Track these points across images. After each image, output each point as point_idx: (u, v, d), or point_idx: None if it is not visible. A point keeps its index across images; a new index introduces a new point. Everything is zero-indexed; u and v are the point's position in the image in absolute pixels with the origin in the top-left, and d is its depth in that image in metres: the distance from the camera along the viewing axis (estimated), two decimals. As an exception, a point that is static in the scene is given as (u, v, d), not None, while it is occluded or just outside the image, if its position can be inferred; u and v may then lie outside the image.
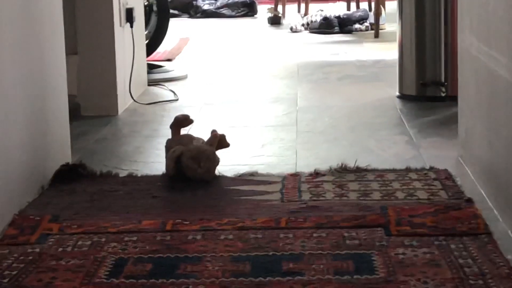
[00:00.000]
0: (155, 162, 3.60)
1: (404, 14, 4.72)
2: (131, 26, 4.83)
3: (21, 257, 2.55)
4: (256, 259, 2.50)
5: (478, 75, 3.14)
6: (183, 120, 3.51)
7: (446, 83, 4.61)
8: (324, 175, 3.33)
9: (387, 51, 6.15)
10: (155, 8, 5.79)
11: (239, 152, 3.65)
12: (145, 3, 5.52)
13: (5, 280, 2.38)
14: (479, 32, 3.11)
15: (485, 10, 3.00)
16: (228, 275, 2.39)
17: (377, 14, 7.34)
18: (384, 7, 7.59)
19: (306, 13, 8.31)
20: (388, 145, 3.82)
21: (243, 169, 3.42)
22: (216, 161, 3.32)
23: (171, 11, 6.90)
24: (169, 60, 6.30)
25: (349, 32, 7.51)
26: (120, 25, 4.61)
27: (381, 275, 2.35)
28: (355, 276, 2.35)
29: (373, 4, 7.71)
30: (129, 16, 4.77)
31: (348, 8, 8.62)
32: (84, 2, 4.47)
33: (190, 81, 5.58)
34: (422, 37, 4.66)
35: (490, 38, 2.92)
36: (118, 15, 4.57)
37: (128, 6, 4.75)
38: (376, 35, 7.18)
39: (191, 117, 3.56)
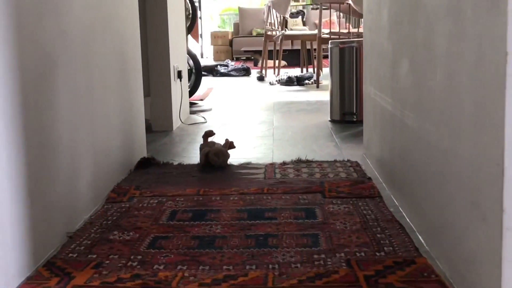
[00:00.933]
0: (194, 157, 3.59)
1: (333, 74, 4.72)
2: (180, 80, 4.83)
3: (118, 209, 2.56)
4: (250, 210, 2.51)
5: (374, 108, 3.15)
6: (209, 133, 3.52)
7: (356, 113, 4.61)
8: (288, 164, 3.33)
9: (323, 95, 6.14)
10: (194, 70, 5.80)
11: (241, 151, 3.65)
12: (188, 68, 5.52)
13: (109, 222, 2.39)
14: (374, 83, 3.12)
15: (377, 72, 3.01)
16: (234, 219, 2.40)
17: (318, 75, 7.33)
18: (322, 70, 7.58)
19: (278, 74, 8.28)
20: (324, 147, 3.82)
21: (243, 160, 3.41)
22: (228, 156, 3.32)
23: (203, 72, 6.87)
24: (201, 100, 6.29)
25: (302, 85, 7.49)
26: (174, 80, 4.62)
27: (320, 220, 2.36)
28: (305, 220, 2.36)
29: (315, 69, 7.67)
30: (179, 75, 4.77)
31: (302, 71, 8.59)
32: (154, 67, 4.47)
33: (213, 111, 5.57)
34: (343, 87, 4.65)
35: (381, 87, 2.94)
36: (173, 74, 4.57)
37: (179, 69, 4.76)
38: (317, 87, 7.16)
39: (214, 131, 3.57)
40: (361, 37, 4.60)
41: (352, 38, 5.21)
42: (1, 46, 1.76)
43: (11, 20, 1.82)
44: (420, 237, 2.13)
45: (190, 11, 6.23)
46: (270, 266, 1.92)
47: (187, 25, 5.90)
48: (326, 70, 7.89)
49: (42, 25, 2.08)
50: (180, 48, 5.01)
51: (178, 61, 4.83)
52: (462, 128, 1.67)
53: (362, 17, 6.56)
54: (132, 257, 2.02)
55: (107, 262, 1.97)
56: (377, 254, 1.99)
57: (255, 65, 10.83)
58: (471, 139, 1.59)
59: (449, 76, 1.79)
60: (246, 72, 9.40)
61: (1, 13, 1.76)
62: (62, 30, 2.27)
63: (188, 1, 6.06)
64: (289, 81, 7.63)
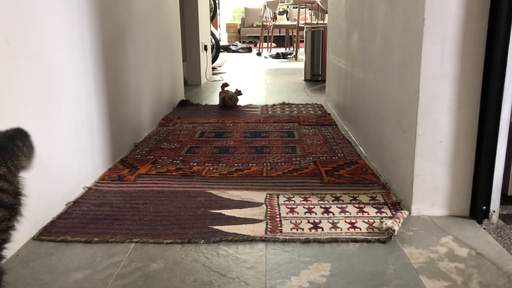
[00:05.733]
0: (215, 100, 3.55)
1: (306, 49, 4.63)
2: (206, 51, 4.74)
3: (166, 130, 2.55)
4: (252, 132, 2.50)
5: (333, 68, 3.10)
6: (225, 84, 3.45)
7: (321, 74, 4.54)
8: (276, 105, 3.30)
9: (300, 65, 6.04)
10: (215, 46, 5.68)
11: (246, 97, 3.61)
12: (211, 44, 5.41)
13: (161, 137, 2.38)
14: (334, 52, 3.07)
15: (336, 44, 2.95)
16: (241, 137, 2.39)
17: (296, 51, 7.20)
18: (298, 49, 7.43)
19: (270, 51, 8.13)
20: (300, 95, 3.77)
21: (247, 103, 3.39)
22: (237, 99, 3.28)
23: (220, 49, 6.73)
24: (219, 66, 6.19)
25: (286, 58, 7.34)
26: (201, 51, 4.52)
27: (297, 138, 2.36)
28: (287, 138, 2.36)
29: (294, 48, 7.52)
30: (205, 48, 4.68)
31: (286, 49, 8.40)
32: (189, 41, 4.38)
33: (227, 73, 5.47)
34: (313, 57, 4.54)
35: (338, 53, 2.88)
36: (201, 47, 4.48)
37: (205, 44, 4.66)
38: (296, 59, 7.02)
39: (228, 83, 3.51)
40: (326, 25, 4.50)
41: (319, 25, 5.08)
42: (90, 18, 1.72)
43: (97, 2, 1.78)
44: (361, 148, 2.14)
45: (213, 6, 6.07)
46: (265, 164, 1.93)
47: (210, 16, 5.75)
48: (301, 50, 7.74)
49: (116, 5, 2.02)
50: (205, 30, 4.89)
51: (204, 38, 4.72)
52: (392, 74, 1.65)
53: (326, 13, 6.40)
54: (176, 158, 2.03)
55: (160, 160, 1.98)
56: (333, 158, 2.00)
57: (255, 45, 10.63)
58: (398, 81, 1.57)
59: (385, 40, 1.75)
60: (249, 50, 9.20)
61: (88, -7, 1.71)
62: (129, 10, 2.21)
63: (211, 1, 5.91)
64: (277, 56, 7.46)
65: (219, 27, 12.88)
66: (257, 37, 10.49)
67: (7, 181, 0.83)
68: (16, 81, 1.25)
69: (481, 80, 1.32)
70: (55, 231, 1.33)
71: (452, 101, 1.34)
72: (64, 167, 1.53)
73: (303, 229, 1.33)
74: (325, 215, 1.42)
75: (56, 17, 1.48)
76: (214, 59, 5.77)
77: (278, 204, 1.50)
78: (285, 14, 12.11)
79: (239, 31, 12.30)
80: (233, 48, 9.29)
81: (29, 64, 1.32)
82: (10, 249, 1.21)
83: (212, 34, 5.53)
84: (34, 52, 1.35)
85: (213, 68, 5.61)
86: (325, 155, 2.03)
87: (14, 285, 1.08)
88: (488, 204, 1.39)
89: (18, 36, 1.26)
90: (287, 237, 1.28)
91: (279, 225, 1.35)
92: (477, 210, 1.39)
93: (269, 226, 1.34)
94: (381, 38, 1.80)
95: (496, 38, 1.27)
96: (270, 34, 8.48)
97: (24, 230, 1.28)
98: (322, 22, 6.78)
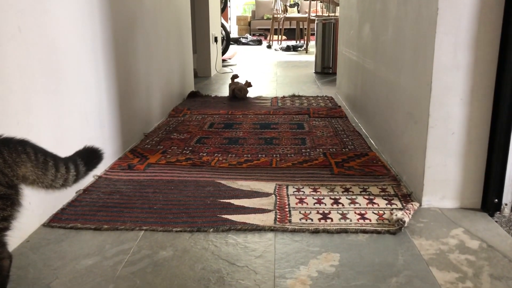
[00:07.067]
0: (225, 92, 3.55)
1: (317, 41, 4.60)
2: (216, 43, 4.73)
3: (176, 121, 2.55)
4: (261, 123, 2.49)
5: (344, 60, 3.08)
6: (235, 76, 3.45)
7: (331, 67, 4.51)
8: (286, 97, 3.29)
9: (310, 57, 6.00)
10: (225, 38, 5.66)
11: (255, 89, 3.61)
12: (221, 36, 5.40)
13: (171, 128, 2.38)
14: (345, 44, 3.04)
15: (347, 36, 2.93)
16: (251, 128, 2.39)
17: (307, 44, 7.15)
18: (309, 41, 7.38)
19: (280, 44, 8.09)
20: (310, 88, 3.75)
21: (257, 95, 3.38)
22: (247, 91, 3.28)
23: (230, 42, 6.70)
24: (229, 58, 6.18)
25: (297, 51, 7.31)
26: (211, 43, 4.51)
27: (306, 129, 2.35)
28: (297, 130, 2.36)
29: (305, 40, 7.46)
30: (215, 39, 4.66)
31: (296, 42, 8.35)
32: (199, 33, 4.37)
33: (237, 66, 5.46)
34: (324, 50, 4.53)
35: (350, 45, 2.86)
36: (211, 38, 4.47)
37: (215, 36, 4.65)
38: (306, 52, 6.98)
39: (238, 75, 3.50)
40: (337, 17, 4.46)
41: (330, 17, 5.04)
42: (101, 8, 1.72)
43: (106, -12, 1.78)
44: (371, 141, 2.13)
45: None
46: (274, 155, 1.92)
47: (221, 8, 5.74)
48: (312, 42, 7.70)
49: (126, -6, 2.03)
50: (216, 22, 4.88)
51: (215, 30, 4.72)
52: (404, 65, 1.63)
53: (337, 5, 6.35)
54: (185, 148, 2.03)
55: (170, 150, 1.99)
56: (343, 150, 1.99)
57: (265, 38, 10.59)
58: (410, 72, 1.55)
59: (397, 31, 1.73)
60: (259, 42, 9.17)
61: (99, -18, 1.71)
62: (140, 1, 2.21)
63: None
64: (287, 49, 7.44)
65: (230, 19, 12.85)
66: (268, 30, 10.45)
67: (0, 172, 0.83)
68: (26, 68, 1.26)
69: (495, 71, 1.30)
70: (65, 218, 1.35)
71: (465, 92, 1.32)
72: (75, 156, 1.54)
73: (312, 220, 1.32)
74: (335, 206, 1.41)
75: (67, 7, 1.49)
76: (224, 51, 5.76)
77: (287, 195, 1.50)
78: (296, 7, 12.04)
79: (249, 24, 12.26)
80: (243, 40, 9.27)
81: (40, 52, 1.33)
82: (21, 236, 1.22)
83: (223, 26, 5.51)
84: (45, 40, 1.35)
85: (223, 60, 5.61)
86: (335, 147, 2.02)
87: (25, 269, 1.09)
88: (500, 197, 1.37)
89: (29, 24, 1.27)
90: (296, 227, 1.28)
91: (288, 215, 1.35)
92: (489, 203, 1.38)
93: (278, 216, 1.34)
94: (393, 28, 1.78)
95: (511, 28, 1.24)
96: (280, 27, 8.43)
97: (34, 217, 1.29)
98: (333, 14, 6.73)
